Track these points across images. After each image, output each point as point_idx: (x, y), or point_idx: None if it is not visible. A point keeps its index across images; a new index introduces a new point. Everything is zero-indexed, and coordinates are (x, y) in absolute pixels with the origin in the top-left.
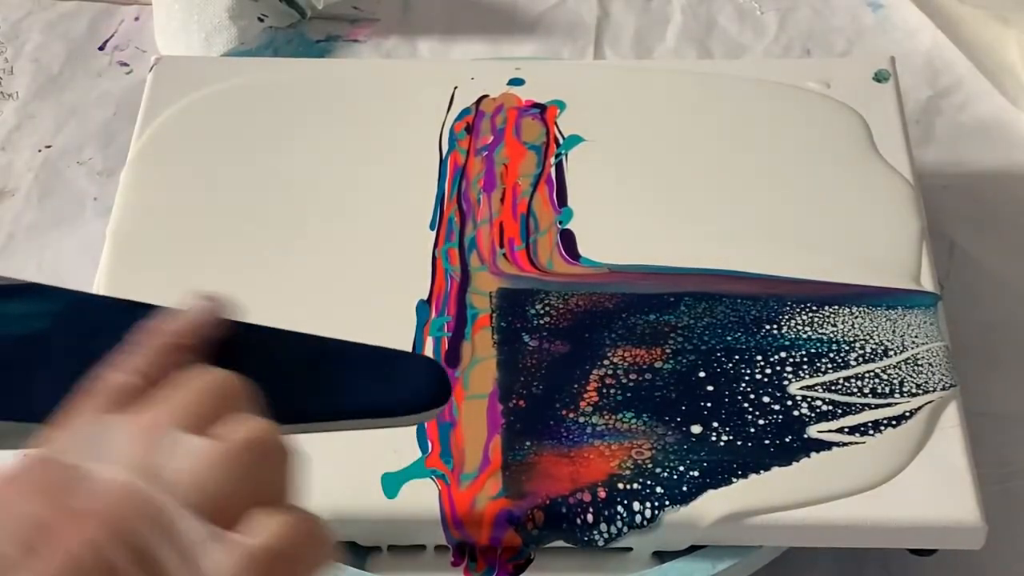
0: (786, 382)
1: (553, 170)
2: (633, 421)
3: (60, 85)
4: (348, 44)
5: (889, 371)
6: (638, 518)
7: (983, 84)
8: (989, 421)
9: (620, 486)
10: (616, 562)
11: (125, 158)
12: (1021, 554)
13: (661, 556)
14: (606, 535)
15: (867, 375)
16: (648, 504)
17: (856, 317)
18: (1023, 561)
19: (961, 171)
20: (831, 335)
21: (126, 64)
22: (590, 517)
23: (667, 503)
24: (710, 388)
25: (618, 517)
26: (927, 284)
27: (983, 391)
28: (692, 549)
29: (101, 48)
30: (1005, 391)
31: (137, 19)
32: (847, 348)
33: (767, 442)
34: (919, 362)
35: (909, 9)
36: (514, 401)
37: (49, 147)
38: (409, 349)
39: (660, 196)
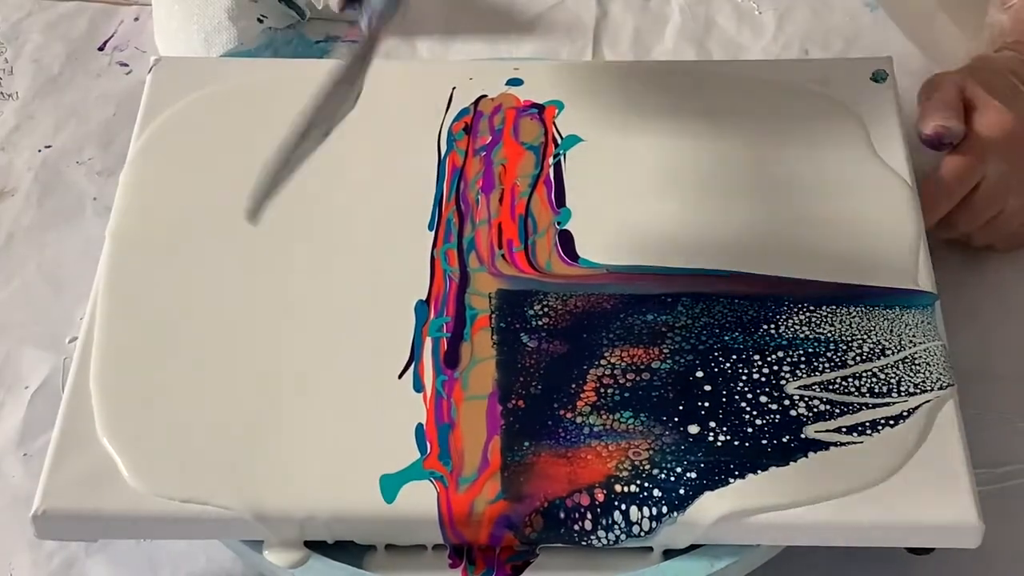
0: (783, 382)
1: (551, 170)
2: (631, 421)
3: (60, 85)
4: (348, 45)
5: (886, 371)
6: (635, 527)
7: None
8: (986, 420)
9: (619, 488)
10: (615, 561)
11: (125, 158)
12: (1018, 553)
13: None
14: (605, 539)
15: (864, 374)
16: (647, 505)
17: (854, 317)
18: (1020, 560)
19: None
20: (828, 335)
21: (126, 64)
22: (588, 522)
23: (665, 504)
24: (708, 388)
25: (615, 522)
26: (924, 284)
27: (980, 390)
28: (690, 547)
29: (101, 48)
30: (1002, 390)
31: (137, 20)
32: (844, 348)
33: (765, 442)
34: (916, 362)
35: None
36: (513, 402)
37: (49, 147)
38: (408, 350)
39: (658, 196)
